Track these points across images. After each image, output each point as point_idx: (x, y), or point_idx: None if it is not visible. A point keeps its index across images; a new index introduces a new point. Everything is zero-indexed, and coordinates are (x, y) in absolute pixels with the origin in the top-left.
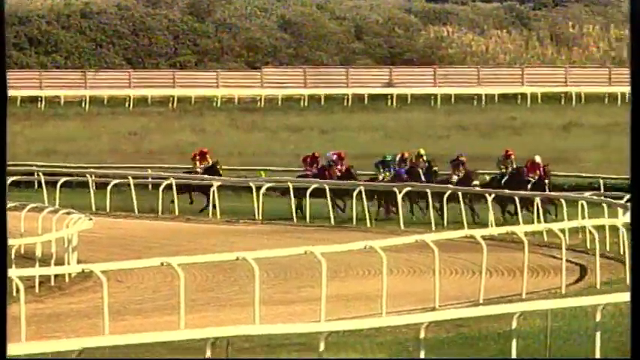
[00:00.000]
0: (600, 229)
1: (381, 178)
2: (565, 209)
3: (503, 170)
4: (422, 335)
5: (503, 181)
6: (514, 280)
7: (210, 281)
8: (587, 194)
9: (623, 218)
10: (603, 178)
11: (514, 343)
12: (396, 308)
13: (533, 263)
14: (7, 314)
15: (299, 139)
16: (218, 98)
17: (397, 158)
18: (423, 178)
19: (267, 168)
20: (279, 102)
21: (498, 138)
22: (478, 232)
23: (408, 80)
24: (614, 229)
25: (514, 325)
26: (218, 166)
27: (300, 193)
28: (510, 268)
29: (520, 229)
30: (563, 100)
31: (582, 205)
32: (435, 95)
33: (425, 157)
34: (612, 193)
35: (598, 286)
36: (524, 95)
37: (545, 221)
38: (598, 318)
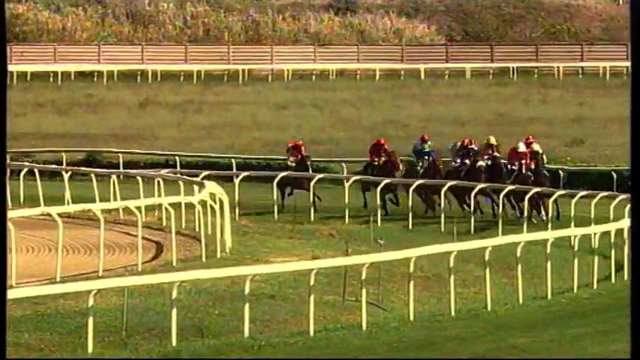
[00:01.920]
0: (176, 206)
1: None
2: (141, 186)
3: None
4: None
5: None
6: (91, 257)
7: None
8: (163, 171)
9: (199, 195)
10: (179, 155)
11: (91, 320)
12: None
13: (110, 241)
14: (6, 314)
15: None
16: None
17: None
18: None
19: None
20: None
21: (75, 115)
22: (54, 210)
23: None
24: (190, 206)
25: (91, 302)
26: (308, 162)
27: None
28: (87, 246)
29: (96, 207)
30: (139, 78)
31: (158, 182)
32: (12, 72)
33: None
34: (188, 170)
35: (174, 264)
36: (100, 73)
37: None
38: (174, 295)
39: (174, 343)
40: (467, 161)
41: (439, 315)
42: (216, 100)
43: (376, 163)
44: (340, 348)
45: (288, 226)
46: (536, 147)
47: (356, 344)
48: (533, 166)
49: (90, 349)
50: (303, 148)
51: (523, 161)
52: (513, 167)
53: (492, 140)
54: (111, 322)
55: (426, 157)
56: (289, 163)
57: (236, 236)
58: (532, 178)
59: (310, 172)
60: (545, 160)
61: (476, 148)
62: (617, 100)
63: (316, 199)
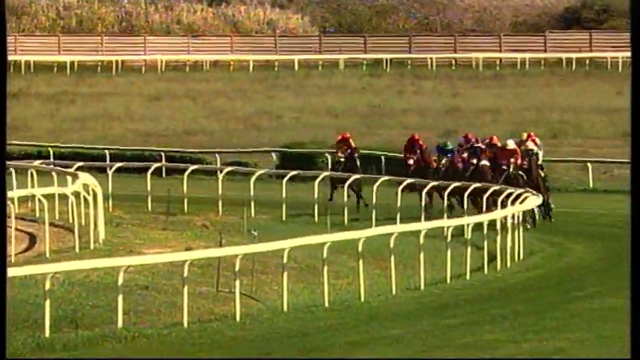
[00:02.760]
0: (50, 197)
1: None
2: (14, 178)
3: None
4: None
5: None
6: None
7: None
8: (36, 163)
9: (73, 187)
10: (52, 146)
11: None
12: None
13: None
14: (6, 314)
15: None
16: None
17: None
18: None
19: None
20: None
21: None
22: None
23: None
24: (63, 197)
25: None
26: (356, 155)
27: None
28: None
29: None
30: (12, 69)
31: (32, 173)
32: None
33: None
34: (61, 161)
35: (48, 255)
36: None
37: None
38: (47, 286)
39: (47, 334)
40: (474, 160)
41: (313, 306)
42: (90, 91)
43: (411, 163)
44: (214, 339)
45: (161, 217)
46: (530, 145)
47: (229, 335)
48: (526, 165)
49: None
50: (351, 140)
51: (512, 159)
52: (504, 167)
53: (495, 140)
54: None
55: (448, 156)
56: (338, 158)
57: (110, 227)
58: (524, 178)
59: (358, 167)
60: (541, 160)
61: (483, 147)
62: (490, 92)
63: (361, 200)
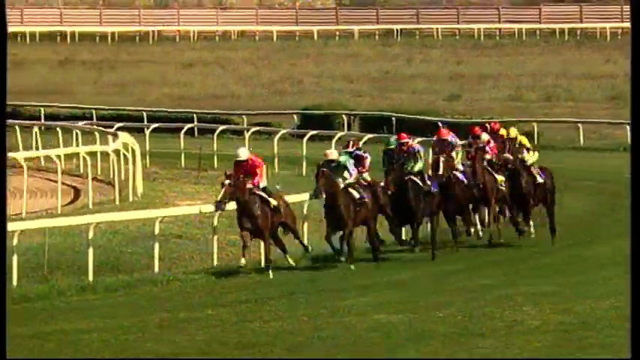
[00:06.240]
0: (93, 154)
1: None
2: (61, 137)
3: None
4: None
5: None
6: (15, 200)
7: None
8: (80, 123)
9: (114, 145)
10: (95, 109)
11: (15, 257)
12: None
13: (33, 186)
14: (6, 314)
15: None
16: None
17: None
18: None
19: None
20: None
21: None
22: None
23: None
24: (105, 154)
25: (15, 241)
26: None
27: None
28: (11, 190)
29: (20, 155)
30: (59, 39)
31: (77, 133)
32: None
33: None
34: (103, 122)
35: (91, 207)
36: (23, 33)
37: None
38: (91, 235)
39: (90, 278)
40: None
41: (330, 254)
42: (129, 59)
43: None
44: (240, 282)
45: (193, 172)
46: (513, 133)
47: (256, 279)
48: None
49: (14, 283)
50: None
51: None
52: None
53: (513, 133)
54: (34, 259)
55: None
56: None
57: (146, 182)
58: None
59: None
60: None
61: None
62: (490, 59)
63: None
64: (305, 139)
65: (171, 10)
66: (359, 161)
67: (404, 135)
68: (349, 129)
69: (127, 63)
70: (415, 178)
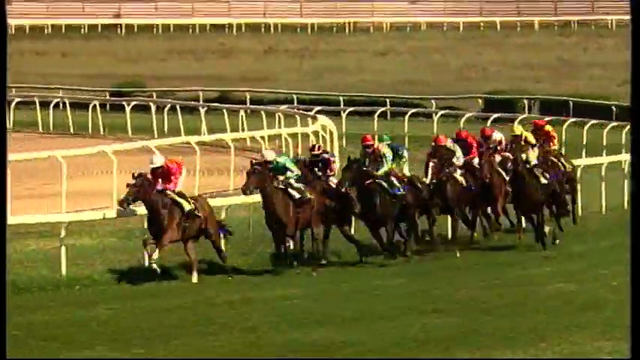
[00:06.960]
0: (294, 135)
1: None
2: (264, 120)
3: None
4: None
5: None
6: (222, 178)
7: None
8: (283, 107)
9: (313, 127)
10: (296, 94)
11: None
12: None
13: (239, 165)
14: (6, 314)
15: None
16: None
17: None
18: None
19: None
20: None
21: (210, 61)
22: (193, 139)
23: (133, 12)
24: (305, 136)
25: (223, 215)
26: None
27: None
28: (220, 169)
29: (227, 136)
30: (263, 29)
31: (279, 116)
32: (157, 25)
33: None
34: (304, 106)
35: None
36: (230, 25)
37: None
38: None
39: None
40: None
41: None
42: (327, 48)
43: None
44: None
45: None
46: (517, 130)
47: None
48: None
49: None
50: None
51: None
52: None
53: (518, 130)
54: (239, 232)
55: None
56: None
57: (343, 161)
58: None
59: None
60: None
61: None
62: None
63: None
64: (489, 121)
65: (365, 3)
66: (326, 165)
67: (368, 137)
68: (529, 112)
69: (325, 52)
70: (382, 182)
